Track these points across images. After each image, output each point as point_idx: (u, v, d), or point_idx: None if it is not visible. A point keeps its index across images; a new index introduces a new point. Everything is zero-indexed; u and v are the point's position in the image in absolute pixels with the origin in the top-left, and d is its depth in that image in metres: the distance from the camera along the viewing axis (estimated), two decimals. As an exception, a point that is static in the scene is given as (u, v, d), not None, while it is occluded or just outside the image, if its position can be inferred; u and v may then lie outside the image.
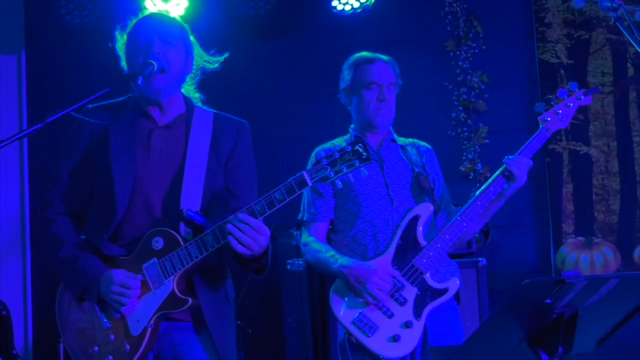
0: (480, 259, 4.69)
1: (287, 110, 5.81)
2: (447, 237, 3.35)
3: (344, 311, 3.32)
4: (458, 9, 5.60)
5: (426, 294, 3.33)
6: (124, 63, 2.99)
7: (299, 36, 5.83)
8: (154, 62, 2.79)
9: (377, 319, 3.29)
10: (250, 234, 2.63)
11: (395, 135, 3.65)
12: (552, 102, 3.46)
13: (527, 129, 5.51)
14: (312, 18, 5.78)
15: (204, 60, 3.03)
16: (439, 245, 3.35)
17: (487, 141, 5.51)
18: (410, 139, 3.70)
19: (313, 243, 3.52)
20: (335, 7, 5.49)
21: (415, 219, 3.39)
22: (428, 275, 3.34)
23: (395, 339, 3.26)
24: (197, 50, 3.02)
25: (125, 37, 2.96)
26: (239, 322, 4.94)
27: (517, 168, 3.33)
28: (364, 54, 3.63)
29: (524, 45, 5.55)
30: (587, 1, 5.38)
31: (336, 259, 3.38)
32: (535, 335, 2.41)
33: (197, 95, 3.06)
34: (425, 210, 3.43)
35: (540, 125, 3.43)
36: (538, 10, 5.51)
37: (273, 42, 5.85)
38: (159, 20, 2.97)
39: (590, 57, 5.44)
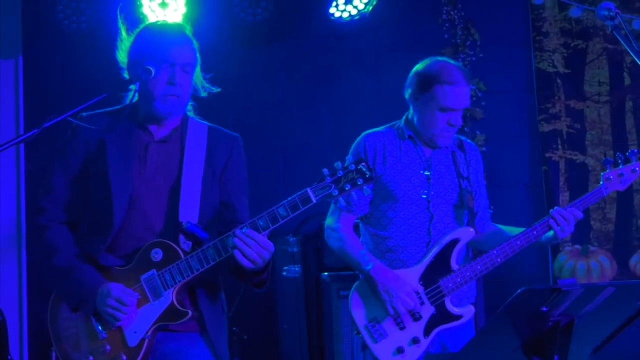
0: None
1: (283, 116, 5.79)
2: (479, 268, 3.36)
3: (360, 313, 3.37)
4: (455, 17, 5.60)
5: (441, 315, 3.36)
6: (122, 57, 2.96)
7: (296, 43, 5.83)
8: (151, 69, 2.80)
9: (389, 328, 3.33)
10: (255, 249, 2.66)
11: None
12: (619, 160, 3.44)
13: (524, 137, 5.52)
14: (309, 25, 5.77)
15: (199, 80, 3.01)
16: (468, 274, 3.36)
17: (484, 149, 5.51)
18: (459, 137, 3.61)
19: (341, 232, 3.48)
20: (332, 14, 5.48)
21: (454, 242, 3.39)
22: (449, 298, 3.36)
23: (400, 351, 3.31)
24: (199, 68, 2.99)
25: (133, 37, 2.94)
26: (234, 328, 4.93)
27: (556, 223, 3.32)
28: (448, 66, 3.47)
29: (521, 53, 5.55)
30: (584, 10, 5.39)
31: (367, 260, 3.38)
32: (531, 343, 2.41)
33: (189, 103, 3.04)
34: (465, 235, 3.43)
35: (601, 182, 3.44)
36: (535, 19, 5.52)
37: (270, 48, 5.84)
38: (183, 46, 2.91)
39: (587, 66, 5.45)
